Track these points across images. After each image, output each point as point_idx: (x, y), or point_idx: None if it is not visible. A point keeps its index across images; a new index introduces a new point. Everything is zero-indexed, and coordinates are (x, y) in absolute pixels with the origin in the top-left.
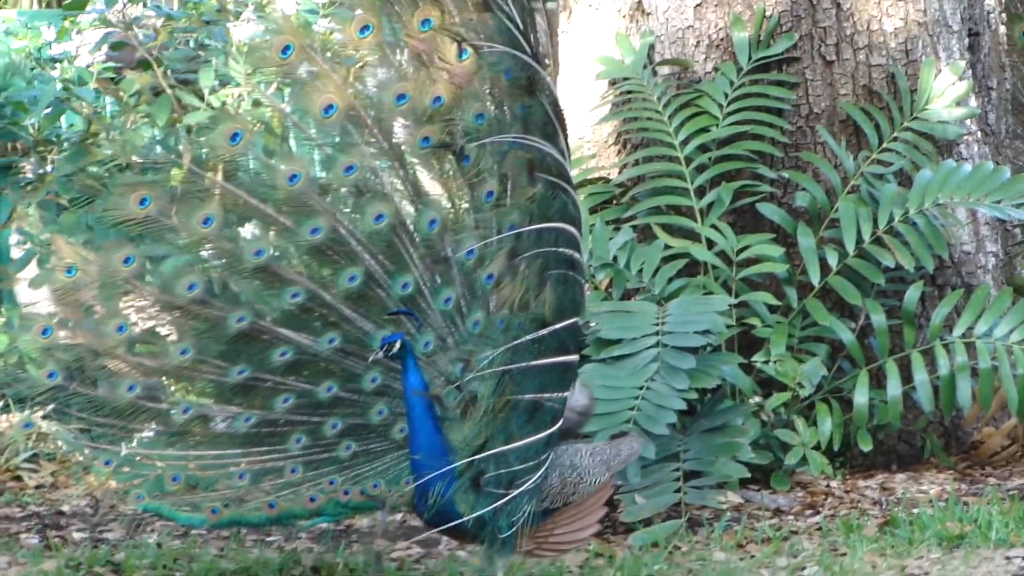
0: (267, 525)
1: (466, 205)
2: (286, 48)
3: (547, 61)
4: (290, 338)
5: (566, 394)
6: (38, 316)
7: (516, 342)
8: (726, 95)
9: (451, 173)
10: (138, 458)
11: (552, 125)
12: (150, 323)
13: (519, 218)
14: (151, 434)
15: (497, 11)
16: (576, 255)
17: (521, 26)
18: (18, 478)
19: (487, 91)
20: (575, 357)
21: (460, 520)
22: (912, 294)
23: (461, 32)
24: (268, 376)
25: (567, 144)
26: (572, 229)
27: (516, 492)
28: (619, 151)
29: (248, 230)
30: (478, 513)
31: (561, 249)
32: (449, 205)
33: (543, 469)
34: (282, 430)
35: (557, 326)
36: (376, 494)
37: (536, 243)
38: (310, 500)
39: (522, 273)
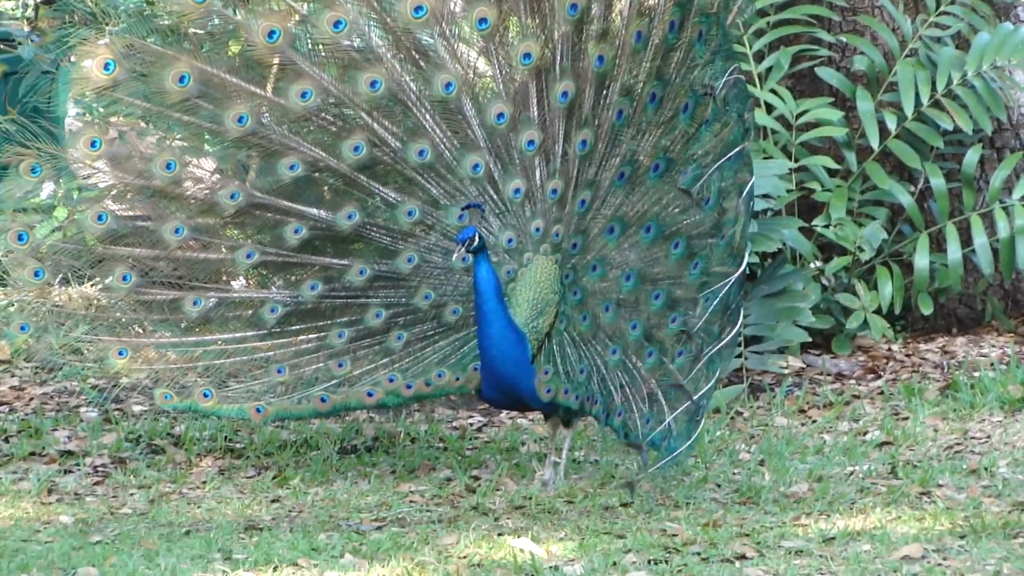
0: (321, 417)
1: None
2: None
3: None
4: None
5: None
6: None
7: None
8: None
9: None
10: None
11: None
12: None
13: None
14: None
15: None
16: None
17: None
18: (78, 351)
19: None
20: None
21: (540, 403)
22: (971, 157)
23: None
24: (284, 255)
25: None
26: None
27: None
28: None
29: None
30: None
31: None
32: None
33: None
34: (319, 323)
35: None
36: (442, 384)
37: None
38: (367, 395)
39: None
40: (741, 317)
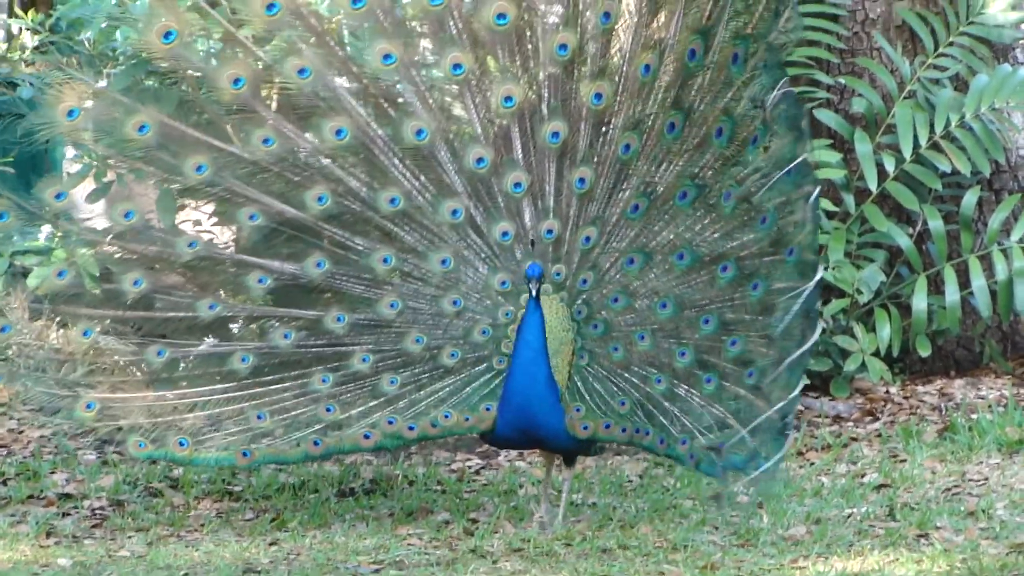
0: (315, 461)
1: None
2: None
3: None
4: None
5: None
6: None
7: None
8: None
9: None
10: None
11: None
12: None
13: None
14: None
15: None
16: None
17: None
18: (75, 395)
19: None
20: None
21: (565, 442)
22: (969, 199)
23: None
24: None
25: None
26: None
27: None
28: None
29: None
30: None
31: None
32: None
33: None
34: (297, 371)
35: None
36: (449, 424)
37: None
38: (364, 437)
39: None
40: (820, 325)
